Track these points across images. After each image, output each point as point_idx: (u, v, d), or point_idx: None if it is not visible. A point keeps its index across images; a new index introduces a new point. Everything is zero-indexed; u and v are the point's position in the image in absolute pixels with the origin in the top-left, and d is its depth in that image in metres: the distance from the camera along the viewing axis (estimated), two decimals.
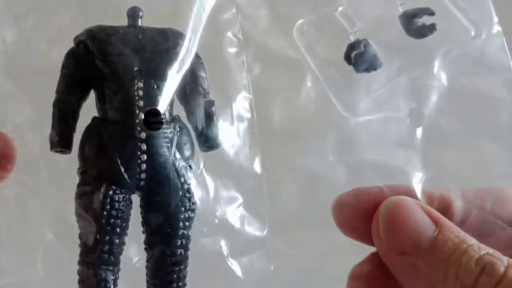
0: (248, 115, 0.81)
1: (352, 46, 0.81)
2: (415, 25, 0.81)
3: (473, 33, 0.86)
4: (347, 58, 0.80)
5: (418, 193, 0.72)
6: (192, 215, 0.76)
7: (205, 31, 0.82)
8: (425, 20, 0.81)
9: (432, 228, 0.68)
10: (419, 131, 0.82)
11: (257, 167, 0.80)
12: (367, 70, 0.80)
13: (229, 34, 0.84)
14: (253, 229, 0.79)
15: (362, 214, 0.70)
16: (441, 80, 0.83)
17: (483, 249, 0.64)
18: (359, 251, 0.75)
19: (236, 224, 0.77)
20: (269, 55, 0.84)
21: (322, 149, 0.81)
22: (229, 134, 0.79)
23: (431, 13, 0.81)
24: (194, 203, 0.76)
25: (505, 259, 0.63)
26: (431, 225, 0.68)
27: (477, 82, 0.86)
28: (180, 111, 0.79)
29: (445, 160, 0.84)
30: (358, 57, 0.81)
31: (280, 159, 0.83)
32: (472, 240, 0.66)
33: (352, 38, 0.80)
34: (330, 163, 0.81)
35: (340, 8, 0.83)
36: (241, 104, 0.82)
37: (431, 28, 0.80)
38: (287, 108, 0.83)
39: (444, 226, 0.67)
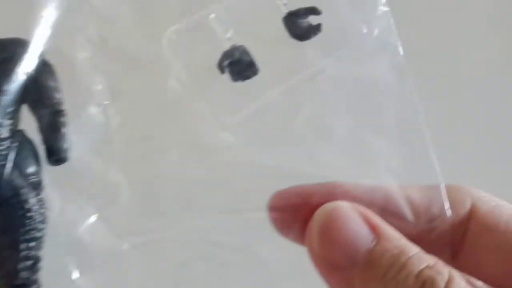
0: (103, 121, 0.76)
1: (226, 54, 0.77)
2: (300, 26, 0.76)
3: (365, 30, 0.81)
4: (220, 66, 0.75)
5: None
6: (38, 234, 0.73)
7: (54, 35, 0.77)
8: (311, 20, 0.75)
9: (370, 238, 0.63)
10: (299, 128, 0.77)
11: (113, 176, 0.76)
12: (242, 78, 0.75)
13: (82, 36, 0.80)
14: (108, 244, 0.75)
15: (303, 217, 0.65)
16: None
17: (424, 261, 0.59)
18: None
19: (89, 239, 0.73)
20: (129, 58, 0.79)
21: (185, 156, 0.76)
22: (81, 143, 0.75)
23: (317, 12, 0.76)
24: (40, 222, 0.73)
25: (446, 272, 0.58)
26: (369, 235, 0.63)
27: (361, 67, 0.81)
28: None
29: (328, 156, 0.79)
30: (232, 65, 0.77)
31: (140, 167, 0.79)
32: (413, 250, 0.61)
33: (227, 45, 0.75)
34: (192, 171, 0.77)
35: (212, 15, 0.78)
36: (96, 110, 0.77)
37: (316, 28, 0.75)
38: (148, 114, 0.79)
39: (382, 235, 0.62)
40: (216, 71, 0.78)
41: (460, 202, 0.69)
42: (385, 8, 0.80)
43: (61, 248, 0.75)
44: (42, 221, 0.74)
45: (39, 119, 0.76)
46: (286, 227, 0.68)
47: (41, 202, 0.75)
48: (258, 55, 0.78)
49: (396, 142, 0.79)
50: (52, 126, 0.75)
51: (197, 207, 0.82)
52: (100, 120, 0.80)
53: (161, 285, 0.77)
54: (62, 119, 0.75)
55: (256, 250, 0.79)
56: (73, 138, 0.77)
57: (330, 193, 0.66)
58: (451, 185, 0.71)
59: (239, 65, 0.78)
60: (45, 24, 0.78)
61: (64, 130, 0.75)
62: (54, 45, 0.78)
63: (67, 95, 0.78)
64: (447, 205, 0.70)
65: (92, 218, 0.78)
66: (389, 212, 0.69)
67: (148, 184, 0.80)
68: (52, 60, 0.79)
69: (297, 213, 0.67)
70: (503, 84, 0.98)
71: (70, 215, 0.75)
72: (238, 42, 0.79)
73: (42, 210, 0.75)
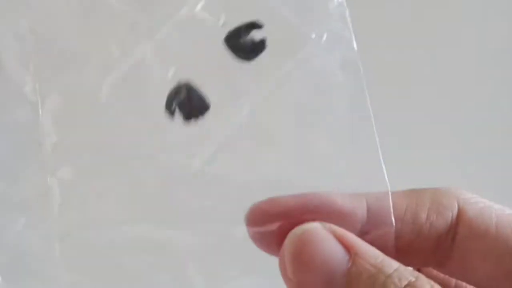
0: (33, 121, 0.72)
1: (172, 95, 0.72)
2: (243, 45, 0.72)
3: (313, 35, 0.77)
4: (169, 109, 0.71)
5: None
6: None
7: None
8: (255, 36, 0.71)
9: (345, 259, 0.59)
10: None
11: (44, 181, 0.72)
12: (195, 117, 0.71)
13: (11, 31, 0.76)
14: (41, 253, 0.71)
15: (280, 233, 0.61)
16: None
17: (404, 278, 0.56)
18: None
19: (17, 245, 0.69)
20: (62, 54, 0.75)
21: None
22: (9, 146, 0.70)
23: (258, 26, 0.71)
24: None
25: (428, 287, 0.54)
26: (344, 256, 0.59)
27: (310, 65, 0.77)
28: None
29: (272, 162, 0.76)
30: (181, 106, 0.72)
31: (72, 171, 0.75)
32: (392, 267, 0.57)
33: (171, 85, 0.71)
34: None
35: (148, 54, 0.74)
36: (25, 110, 0.73)
37: (261, 45, 0.71)
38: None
39: (358, 254, 0.58)
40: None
41: (446, 206, 0.65)
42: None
43: None
44: None
45: None
46: (265, 244, 0.64)
47: None
48: (206, 88, 0.74)
49: (345, 144, 0.76)
50: None
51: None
52: (29, 120, 0.76)
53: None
54: None
55: None
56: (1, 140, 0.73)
57: (307, 206, 0.63)
58: (437, 188, 0.68)
59: (188, 104, 0.74)
60: None
61: None
62: None
63: None
64: (391, 218, 0.67)
65: (21, 224, 0.74)
66: (371, 221, 0.67)
67: (82, 190, 0.76)
68: None
69: (274, 229, 0.63)
70: (459, 80, 0.96)
71: None
72: (182, 78, 0.74)
73: None
